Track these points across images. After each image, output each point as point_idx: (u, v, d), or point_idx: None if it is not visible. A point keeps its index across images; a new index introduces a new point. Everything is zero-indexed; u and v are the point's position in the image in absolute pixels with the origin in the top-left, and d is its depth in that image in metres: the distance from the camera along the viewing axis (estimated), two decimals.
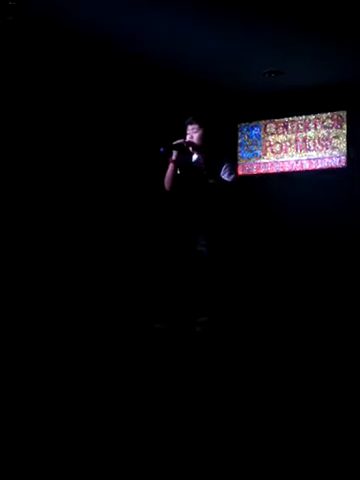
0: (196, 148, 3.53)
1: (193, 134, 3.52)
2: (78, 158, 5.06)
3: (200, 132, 3.52)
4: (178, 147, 3.43)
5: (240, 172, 5.91)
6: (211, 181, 3.41)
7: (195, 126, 3.53)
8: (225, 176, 3.48)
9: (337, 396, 2.42)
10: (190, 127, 3.54)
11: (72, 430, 1.97)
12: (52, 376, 2.67)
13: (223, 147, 5.10)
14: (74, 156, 5.03)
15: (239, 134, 6.04)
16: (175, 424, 2.06)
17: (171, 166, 3.50)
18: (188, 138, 3.53)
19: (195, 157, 3.57)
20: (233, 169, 3.65)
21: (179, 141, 3.45)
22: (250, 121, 5.99)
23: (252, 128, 6.00)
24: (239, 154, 6.02)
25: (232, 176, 3.49)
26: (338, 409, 2.25)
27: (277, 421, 2.11)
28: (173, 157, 3.46)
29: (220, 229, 3.60)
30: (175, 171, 3.52)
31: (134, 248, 5.35)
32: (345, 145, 5.50)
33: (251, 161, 5.98)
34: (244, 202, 5.32)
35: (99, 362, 2.95)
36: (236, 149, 6.01)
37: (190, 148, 3.52)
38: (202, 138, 3.53)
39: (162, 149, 3.38)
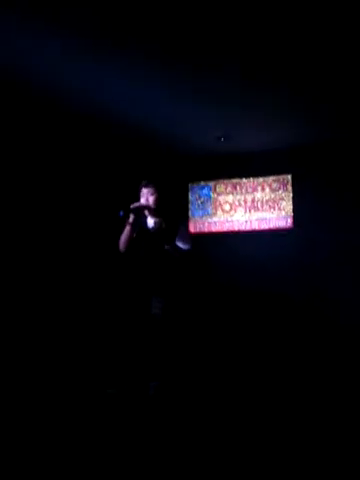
0: (152, 211, 3.57)
1: (149, 197, 3.56)
2: (35, 221, 5.00)
3: (156, 195, 3.57)
4: (136, 210, 3.46)
5: (192, 230, 6.01)
6: (167, 247, 3.44)
7: (151, 189, 3.57)
8: (180, 243, 3.52)
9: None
10: (145, 190, 3.58)
11: None
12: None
13: (175, 205, 5.20)
14: (31, 219, 4.96)
15: (190, 193, 6.18)
16: None
17: (128, 228, 3.51)
18: (143, 201, 3.56)
19: (151, 221, 3.59)
20: (188, 234, 3.71)
21: (137, 204, 3.47)
22: (200, 181, 6.17)
23: (202, 188, 6.17)
24: (190, 212, 6.14)
25: (187, 246, 3.53)
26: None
27: None
28: (130, 220, 3.48)
29: (174, 292, 3.61)
30: (131, 234, 3.53)
31: (88, 311, 5.24)
32: (291, 207, 5.75)
33: (203, 219, 6.11)
34: (196, 261, 5.39)
35: (53, 428, 2.85)
36: (187, 207, 6.13)
37: (146, 211, 3.56)
38: (157, 201, 3.58)
39: (121, 212, 3.40)
